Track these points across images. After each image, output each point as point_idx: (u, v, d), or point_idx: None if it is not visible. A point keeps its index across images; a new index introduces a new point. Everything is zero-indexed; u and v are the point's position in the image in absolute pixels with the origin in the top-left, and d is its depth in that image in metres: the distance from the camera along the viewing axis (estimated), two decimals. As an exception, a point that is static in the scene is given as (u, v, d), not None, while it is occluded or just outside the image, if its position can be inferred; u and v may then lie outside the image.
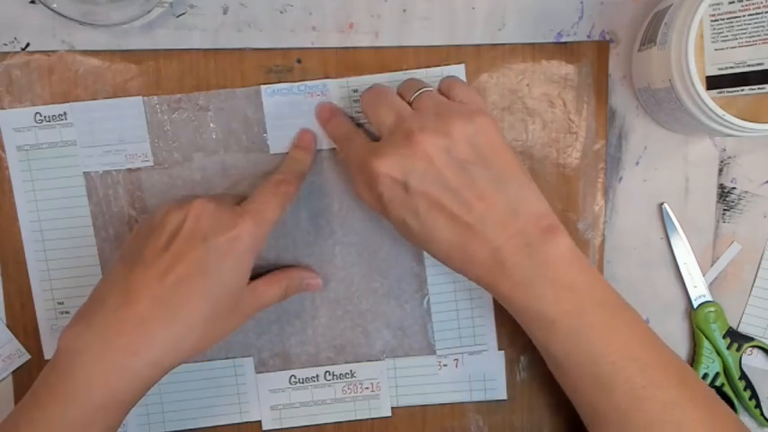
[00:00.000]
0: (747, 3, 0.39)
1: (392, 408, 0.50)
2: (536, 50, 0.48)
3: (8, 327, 0.49)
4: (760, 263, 0.49)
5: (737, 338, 0.49)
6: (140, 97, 0.47)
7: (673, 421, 0.38)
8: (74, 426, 0.38)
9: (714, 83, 0.40)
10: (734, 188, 0.49)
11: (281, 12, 0.47)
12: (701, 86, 0.39)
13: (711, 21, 0.40)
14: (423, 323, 0.49)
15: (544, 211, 0.40)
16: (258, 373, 0.49)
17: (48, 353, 0.49)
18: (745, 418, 0.50)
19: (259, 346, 0.49)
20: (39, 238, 0.48)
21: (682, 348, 0.50)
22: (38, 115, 0.47)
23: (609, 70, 0.48)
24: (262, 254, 0.48)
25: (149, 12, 0.46)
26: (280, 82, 0.47)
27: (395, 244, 0.49)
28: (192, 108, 0.48)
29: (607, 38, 0.48)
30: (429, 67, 0.48)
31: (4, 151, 0.48)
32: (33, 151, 0.47)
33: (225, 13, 0.47)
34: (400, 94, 0.43)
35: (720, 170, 0.49)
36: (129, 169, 0.48)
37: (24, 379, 0.49)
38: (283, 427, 0.50)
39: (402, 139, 0.40)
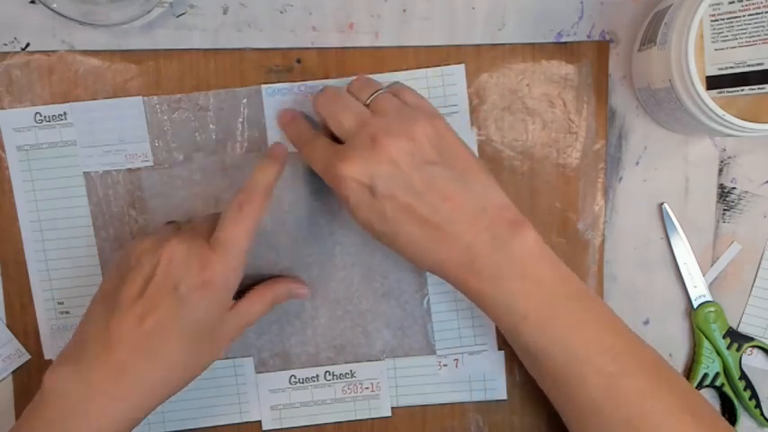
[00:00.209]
0: (747, 3, 0.39)
1: (392, 408, 0.50)
2: (536, 50, 0.48)
3: (8, 327, 0.49)
4: (760, 263, 0.49)
5: (737, 338, 0.49)
6: (140, 97, 0.47)
7: (647, 410, 0.38)
8: None
9: (714, 83, 0.40)
10: (734, 188, 0.49)
11: (281, 12, 0.47)
12: (700, 86, 0.39)
13: (711, 21, 0.40)
14: (423, 323, 0.49)
15: (506, 203, 0.41)
16: (258, 373, 0.49)
17: (48, 353, 0.49)
18: (745, 418, 0.50)
19: (259, 346, 0.49)
20: (39, 238, 0.48)
21: (682, 348, 0.50)
22: (38, 115, 0.47)
23: (609, 70, 0.48)
24: (261, 254, 0.48)
25: (149, 12, 0.46)
26: (280, 82, 0.47)
27: (395, 244, 0.49)
28: (192, 108, 0.48)
29: (607, 38, 0.48)
30: (429, 67, 0.48)
31: (4, 151, 0.48)
32: (33, 151, 0.47)
33: (225, 13, 0.47)
34: (353, 95, 0.43)
35: (720, 170, 0.49)
36: (129, 169, 0.48)
37: (24, 379, 0.49)
38: (283, 427, 0.50)
39: (366, 142, 0.40)
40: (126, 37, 0.47)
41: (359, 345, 0.50)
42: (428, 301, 0.49)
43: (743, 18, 0.39)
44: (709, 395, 0.51)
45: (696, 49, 0.39)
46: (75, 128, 0.47)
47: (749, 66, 0.40)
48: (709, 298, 0.49)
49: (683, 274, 0.49)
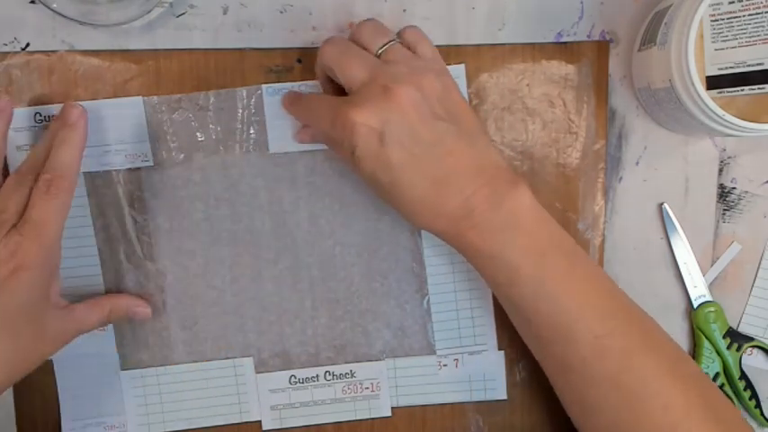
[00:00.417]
0: (747, 3, 0.39)
1: (392, 408, 0.50)
2: (536, 50, 0.48)
3: (8, 327, 0.49)
4: (760, 263, 0.49)
5: (737, 338, 0.49)
6: (140, 97, 0.47)
7: (634, 368, 0.39)
8: None
9: (714, 83, 0.40)
10: (734, 188, 0.49)
11: (281, 12, 0.47)
12: (700, 86, 0.39)
13: (711, 21, 0.40)
14: (423, 323, 0.49)
15: (506, 166, 0.42)
16: (258, 373, 0.49)
17: (48, 353, 0.49)
18: (745, 419, 0.50)
19: (259, 346, 0.49)
20: (39, 238, 0.48)
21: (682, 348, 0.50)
22: (38, 115, 0.47)
23: (609, 70, 0.48)
24: (260, 255, 0.48)
25: (149, 12, 0.46)
26: (280, 82, 0.47)
27: (395, 244, 0.49)
28: (192, 108, 0.48)
29: (607, 38, 0.48)
30: (429, 67, 0.47)
31: (4, 151, 0.48)
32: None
33: (225, 13, 0.47)
34: (363, 45, 0.43)
35: (720, 170, 0.49)
36: (129, 169, 0.48)
37: (24, 379, 0.49)
38: (283, 427, 0.50)
39: (379, 91, 0.40)
40: (126, 37, 0.47)
41: (359, 345, 0.50)
42: (428, 301, 0.49)
43: (743, 18, 0.39)
44: (709, 395, 0.51)
45: (696, 49, 0.39)
46: (76, 128, 0.47)
47: (749, 66, 0.40)
48: (709, 298, 0.49)
49: (683, 274, 0.49)
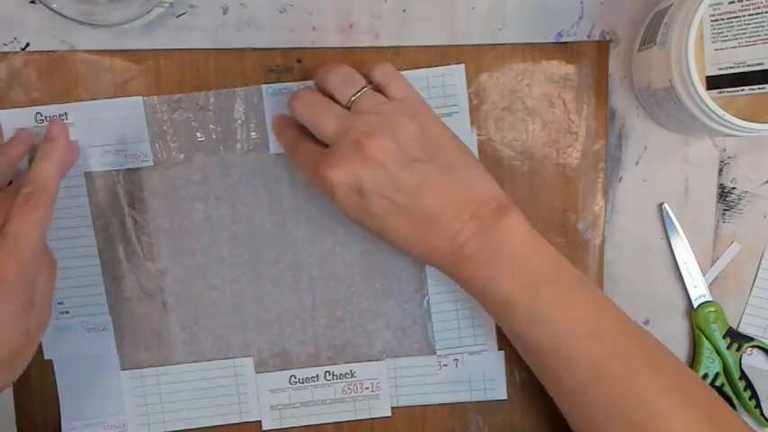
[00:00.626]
0: (747, 3, 0.39)
1: (392, 408, 0.50)
2: (536, 50, 0.48)
3: (8, 327, 0.49)
4: (760, 263, 0.49)
5: (737, 338, 0.49)
6: (140, 97, 0.47)
7: (635, 392, 0.38)
8: None
9: (714, 83, 0.40)
10: (734, 188, 0.49)
11: (281, 12, 0.47)
12: (700, 86, 0.39)
13: (711, 21, 0.40)
14: (423, 323, 0.49)
15: (495, 193, 0.41)
16: (258, 373, 0.49)
17: (48, 353, 0.49)
18: (745, 419, 0.50)
19: (259, 346, 0.49)
20: (39, 238, 0.48)
21: (682, 348, 0.50)
22: (38, 115, 0.47)
23: (609, 70, 0.48)
24: (260, 254, 0.48)
25: (149, 12, 0.46)
26: (279, 82, 0.47)
27: (395, 244, 0.49)
28: (192, 108, 0.48)
29: (607, 38, 0.48)
30: (429, 67, 0.48)
31: (4, 151, 0.48)
32: (33, 151, 0.47)
33: (225, 13, 0.47)
34: (332, 96, 0.43)
35: (720, 170, 0.49)
36: (129, 169, 0.48)
37: (24, 379, 0.49)
38: (283, 427, 0.50)
39: (351, 147, 0.40)
40: (126, 37, 0.47)
41: (359, 345, 0.49)
42: (428, 301, 0.49)
43: (743, 18, 0.39)
44: (709, 395, 0.51)
45: (696, 49, 0.39)
46: (76, 128, 0.47)
47: (749, 66, 0.40)
48: (709, 298, 0.49)
49: (683, 274, 0.49)
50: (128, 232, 0.48)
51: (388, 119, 0.41)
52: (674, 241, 0.49)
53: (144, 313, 0.49)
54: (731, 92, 0.40)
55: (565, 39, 0.48)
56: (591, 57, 0.48)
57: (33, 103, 0.47)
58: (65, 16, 0.45)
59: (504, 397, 0.50)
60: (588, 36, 0.48)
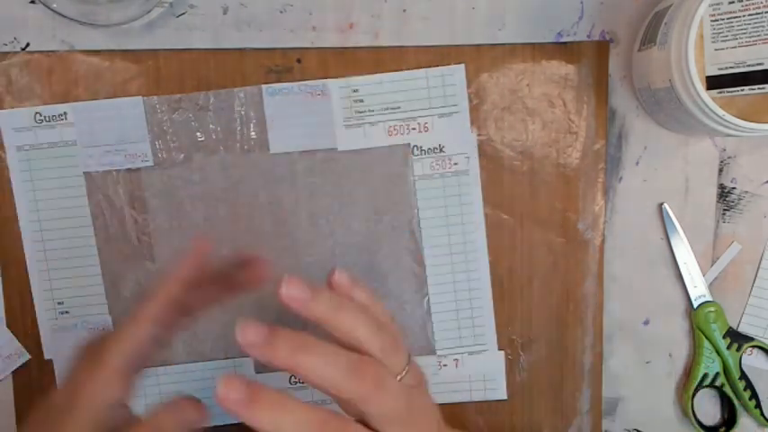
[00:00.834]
0: (747, 3, 0.39)
1: (392, 408, 0.50)
2: (536, 50, 0.48)
3: (8, 327, 0.49)
4: (760, 263, 0.49)
5: (737, 338, 0.49)
6: (140, 97, 0.47)
7: None
8: None
9: (714, 83, 0.40)
10: (734, 188, 0.49)
11: (281, 12, 0.47)
12: (700, 86, 0.39)
13: (711, 21, 0.40)
14: (423, 323, 0.49)
15: None
16: (258, 373, 0.49)
17: (48, 353, 0.49)
18: (745, 418, 0.50)
19: (259, 346, 0.49)
20: (39, 238, 0.48)
21: (682, 348, 0.50)
22: (38, 115, 0.47)
23: (609, 70, 0.48)
24: (262, 254, 0.48)
25: (149, 12, 0.46)
26: (280, 82, 0.47)
27: (395, 244, 0.49)
28: (192, 108, 0.48)
29: (607, 38, 0.48)
30: (429, 67, 0.48)
31: (4, 151, 0.48)
32: (33, 151, 0.47)
33: (225, 13, 0.47)
34: (365, 350, 0.33)
35: (720, 170, 0.49)
36: (129, 169, 0.48)
37: (24, 379, 0.49)
38: (283, 427, 0.50)
39: None
40: (126, 37, 0.47)
41: (359, 345, 0.49)
42: (428, 301, 0.49)
43: (743, 18, 0.39)
44: (709, 395, 0.51)
45: (696, 49, 0.39)
46: (76, 128, 0.47)
47: (749, 66, 0.40)
48: (709, 298, 0.49)
49: (683, 274, 0.49)
50: (128, 232, 0.48)
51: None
52: (674, 241, 0.49)
53: (144, 313, 0.49)
54: (731, 92, 0.40)
55: (565, 39, 0.48)
56: (591, 57, 0.48)
57: (33, 103, 0.47)
58: (65, 16, 0.45)
59: (504, 397, 0.50)
60: (588, 36, 0.48)
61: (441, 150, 0.48)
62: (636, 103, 0.49)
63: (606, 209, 0.49)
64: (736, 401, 0.49)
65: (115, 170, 0.48)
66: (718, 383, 0.49)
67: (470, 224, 0.49)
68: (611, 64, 0.48)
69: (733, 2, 0.39)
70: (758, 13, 0.39)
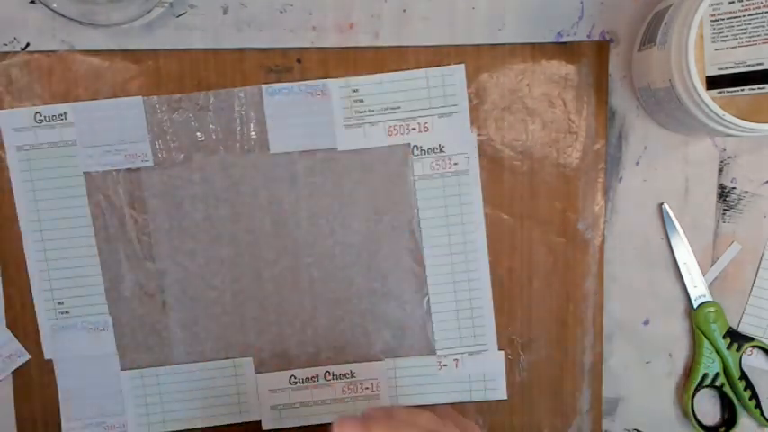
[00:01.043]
0: (747, 3, 0.39)
1: (392, 408, 0.50)
2: (536, 50, 0.48)
3: (8, 327, 0.49)
4: (760, 263, 0.49)
5: (737, 338, 0.49)
6: (140, 97, 0.47)
7: None
8: None
9: (714, 83, 0.40)
10: (734, 188, 0.49)
11: (281, 12, 0.47)
12: (700, 86, 0.39)
13: (711, 21, 0.40)
14: (423, 323, 0.49)
15: None
16: (258, 373, 0.49)
17: (48, 353, 0.49)
18: (745, 418, 0.50)
19: (259, 346, 0.49)
20: (39, 238, 0.48)
21: (682, 348, 0.50)
22: (38, 115, 0.47)
23: (609, 70, 0.48)
24: (261, 255, 0.48)
25: (149, 12, 0.46)
26: (279, 82, 0.47)
27: (395, 244, 0.49)
28: (192, 108, 0.48)
29: (607, 38, 0.48)
30: (429, 67, 0.48)
31: (4, 151, 0.48)
32: (33, 151, 0.47)
33: (225, 12, 0.47)
34: None
35: (720, 170, 0.49)
36: (129, 169, 0.48)
37: (24, 379, 0.49)
38: (283, 426, 0.50)
39: None
40: (126, 37, 0.47)
41: (359, 345, 0.50)
42: (428, 301, 0.49)
43: (743, 18, 0.39)
44: (709, 395, 0.51)
45: (696, 49, 0.39)
46: (76, 128, 0.47)
47: (749, 66, 0.40)
48: (709, 298, 0.49)
49: (683, 274, 0.49)
50: (128, 232, 0.48)
51: None
52: (674, 241, 0.49)
53: (144, 313, 0.49)
54: (731, 92, 0.40)
55: (565, 39, 0.48)
56: (591, 57, 0.48)
57: (33, 103, 0.47)
58: (65, 16, 0.45)
59: (504, 397, 0.50)
60: (588, 36, 0.48)
61: (441, 150, 0.48)
62: (636, 103, 0.49)
63: (606, 209, 0.49)
64: (736, 401, 0.49)
65: (115, 170, 0.48)
66: (718, 383, 0.49)
67: (470, 224, 0.49)
68: (611, 64, 0.48)
69: (733, 2, 0.39)
70: (758, 13, 0.39)
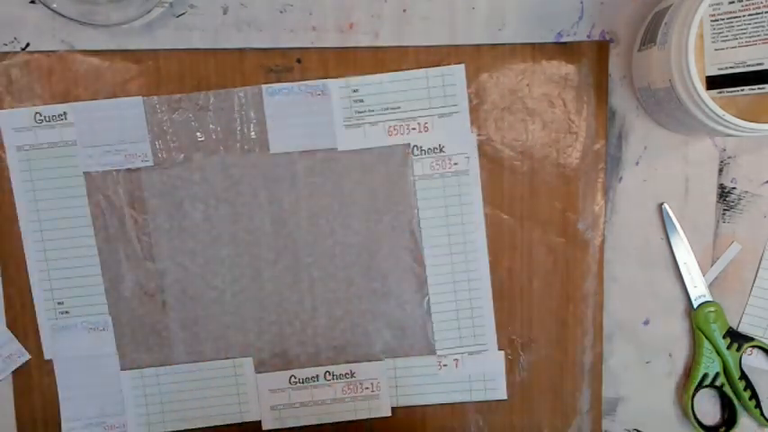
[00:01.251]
0: (747, 3, 0.39)
1: (392, 408, 0.50)
2: (536, 50, 0.48)
3: (8, 327, 0.49)
4: (760, 263, 0.49)
5: (737, 338, 0.49)
6: (140, 97, 0.47)
7: None
8: None
9: (714, 83, 0.40)
10: (734, 188, 0.49)
11: (281, 12, 0.47)
12: (700, 86, 0.39)
13: (711, 21, 0.40)
14: (423, 323, 0.49)
15: None
16: (258, 373, 0.49)
17: (48, 353, 0.49)
18: (745, 418, 0.50)
19: (259, 346, 0.49)
20: (39, 238, 0.48)
21: (682, 348, 0.50)
22: (38, 115, 0.47)
23: (609, 70, 0.48)
24: (261, 255, 0.48)
25: (149, 12, 0.46)
26: (279, 82, 0.47)
27: (395, 244, 0.49)
28: (192, 108, 0.48)
29: (607, 38, 0.48)
30: (429, 67, 0.48)
31: (4, 151, 0.48)
32: (33, 151, 0.47)
33: (225, 12, 0.47)
34: None
35: (720, 170, 0.49)
36: (129, 169, 0.48)
37: (24, 379, 0.49)
38: (283, 426, 0.50)
39: None
40: (126, 37, 0.47)
41: (359, 345, 0.50)
42: (428, 301, 0.49)
43: (743, 18, 0.39)
44: (709, 395, 0.51)
45: (696, 49, 0.39)
46: (76, 128, 0.47)
47: (749, 66, 0.40)
48: (709, 298, 0.49)
49: (683, 274, 0.49)
50: (128, 232, 0.48)
51: None
52: (674, 241, 0.49)
53: (144, 313, 0.49)
54: (731, 92, 0.40)
55: (565, 39, 0.48)
56: (591, 57, 0.48)
57: (33, 103, 0.47)
58: (65, 16, 0.45)
59: (504, 397, 0.50)
60: (588, 36, 0.48)
61: (441, 150, 0.48)
62: (636, 103, 0.49)
63: (606, 209, 0.49)
64: (736, 401, 0.49)
65: (115, 170, 0.48)
66: (718, 383, 0.49)
67: (470, 224, 0.49)
68: (611, 64, 0.48)
69: (733, 2, 0.39)
70: (758, 13, 0.39)
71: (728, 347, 0.49)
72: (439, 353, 0.50)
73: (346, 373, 0.50)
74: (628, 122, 0.49)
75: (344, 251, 0.49)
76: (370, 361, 0.50)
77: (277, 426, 0.50)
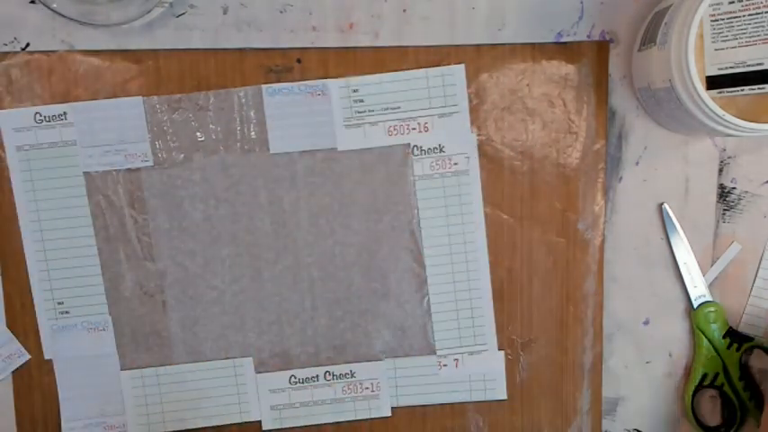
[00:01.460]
0: (747, 3, 0.39)
1: (392, 408, 0.50)
2: (536, 50, 0.48)
3: (8, 327, 0.49)
4: (760, 263, 0.49)
5: (737, 338, 0.49)
6: (140, 97, 0.47)
7: None
8: None
9: (714, 83, 0.40)
10: (734, 188, 0.49)
11: (281, 12, 0.47)
12: (701, 86, 0.39)
13: (711, 21, 0.40)
14: (423, 323, 0.49)
15: None
16: (258, 373, 0.49)
17: (48, 353, 0.49)
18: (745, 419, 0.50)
19: (259, 346, 0.49)
20: (39, 238, 0.48)
21: (682, 348, 0.50)
22: (38, 115, 0.47)
23: (609, 70, 0.48)
24: (261, 255, 0.48)
25: (149, 12, 0.46)
26: (279, 82, 0.47)
27: (395, 244, 0.49)
28: (192, 108, 0.48)
29: (607, 38, 0.48)
30: (429, 67, 0.48)
31: (4, 151, 0.48)
32: (33, 151, 0.47)
33: (225, 12, 0.47)
34: None
35: (720, 170, 0.49)
36: (129, 169, 0.48)
37: (24, 379, 0.49)
38: (283, 427, 0.50)
39: None
40: (126, 37, 0.47)
41: (359, 345, 0.50)
42: (428, 301, 0.49)
43: (743, 18, 0.39)
44: (709, 395, 0.51)
45: (696, 49, 0.39)
46: (76, 128, 0.47)
47: (749, 66, 0.40)
48: (709, 298, 0.49)
49: (683, 274, 0.49)
50: (128, 232, 0.48)
51: None
52: (674, 241, 0.49)
53: (144, 313, 0.49)
54: (731, 92, 0.40)
55: (565, 39, 0.48)
56: (591, 57, 0.48)
57: (33, 103, 0.47)
58: (65, 16, 0.45)
59: (504, 397, 0.50)
60: (588, 36, 0.48)
61: (441, 150, 0.48)
62: (636, 103, 0.49)
63: (606, 209, 0.49)
64: (736, 401, 0.49)
65: (115, 170, 0.48)
66: (718, 383, 0.49)
67: (470, 224, 0.49)
68: (611, 64, 0.48)
69: (733, 2, 0.39)
70: (758, 13, 0.39)
71: (728, 347, 0.49)
72: (439, 353, 0.50)
73: (346, 373, 0.50)
74: (628, 122, 0.49)
75: (344, 251, 0.49)
76: (370, 361, 0.50)
77: (277, 426, 0.50)
